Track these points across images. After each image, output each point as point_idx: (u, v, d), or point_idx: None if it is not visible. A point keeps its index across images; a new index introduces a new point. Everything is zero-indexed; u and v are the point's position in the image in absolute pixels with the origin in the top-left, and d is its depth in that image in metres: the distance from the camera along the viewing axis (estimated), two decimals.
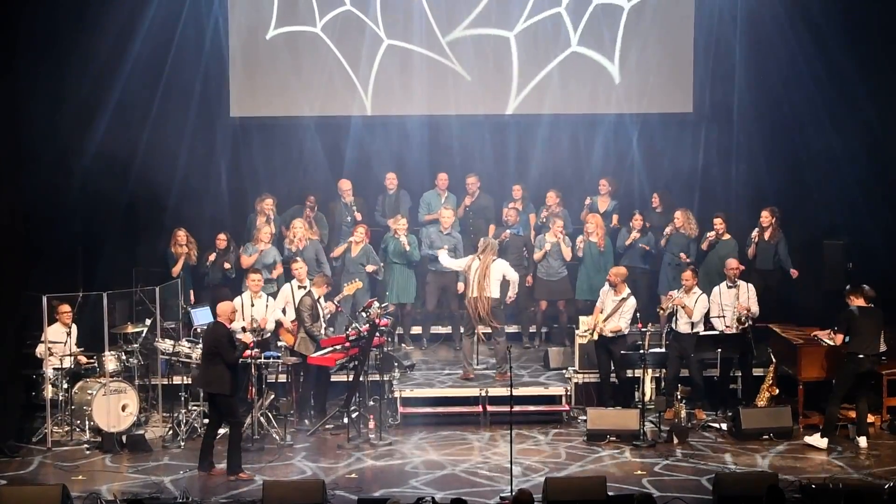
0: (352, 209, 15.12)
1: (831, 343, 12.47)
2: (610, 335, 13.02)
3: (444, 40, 15.83)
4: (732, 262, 13.55)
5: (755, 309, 13.36)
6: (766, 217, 14.38)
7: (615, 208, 15.37)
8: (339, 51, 15.82)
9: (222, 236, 14.41)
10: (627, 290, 13.16)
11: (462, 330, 13.86)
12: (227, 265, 14.24)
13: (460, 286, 14.26)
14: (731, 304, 13.34)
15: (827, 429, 12.27)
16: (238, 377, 11.73)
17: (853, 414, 12.48)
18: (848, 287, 12.56)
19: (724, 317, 13.31)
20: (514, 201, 15.23)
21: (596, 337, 13.10)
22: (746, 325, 13.08)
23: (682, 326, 13.21)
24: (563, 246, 14.55)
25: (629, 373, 13.20)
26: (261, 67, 15.88)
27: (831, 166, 15.19)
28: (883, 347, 12.81)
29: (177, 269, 14.07)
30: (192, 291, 14.33)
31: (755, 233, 14.39)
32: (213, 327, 11.68)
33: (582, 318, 13.76)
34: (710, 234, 14.40)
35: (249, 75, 15.89)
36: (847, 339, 12.20)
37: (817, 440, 12.23)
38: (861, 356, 12.16)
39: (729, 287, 13.41)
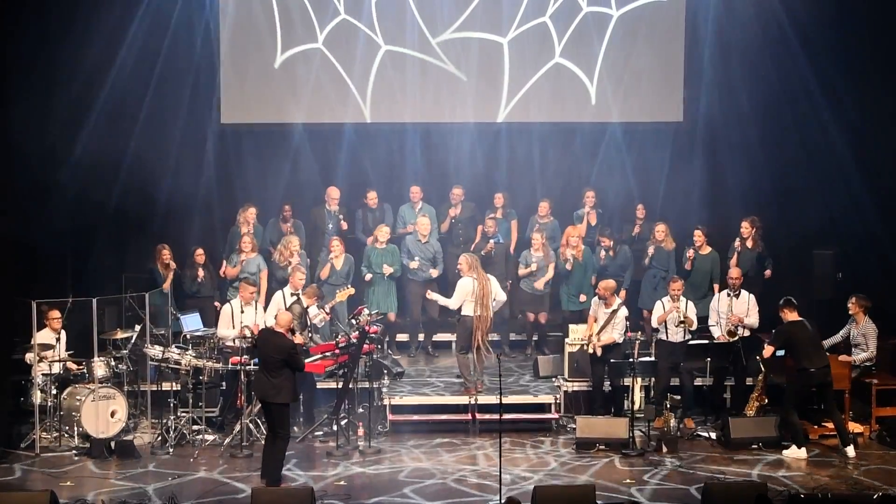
0: (337, 217, 15.11)
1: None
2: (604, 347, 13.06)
3: (434, 41, 15.87)
4: (734, 272, 13.55)
5: (753, 320, 13.32)
6: (745, 228, 14.43)
7: (601, 218, 15.40)
8: (334, 58, 15.84)
9: (200, 251, 14.38)
10: (618, 301, 13.18)
11: (457, 346, 13.66)
12: (200, 274, 14.25)
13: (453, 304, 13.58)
14: (728, 312, 13.33)
15: (797, 439, 12.29)
16: (296, 387, 11.53)
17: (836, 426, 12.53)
18: (781, 302, 12.60)
19: (720, 324, 13.34)
20: (495, 210, 15.25)
21: (592, 351, 13.10)
22: (737, 337, 13.09)
23: (674, 335, 13.21)
24: (551, 265, 14.61)
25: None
26: (252, 74, 15.87)
27: (821, 176, 15.26)
28: (870, 355, 12.88)
29: (167, 284, 14.03)
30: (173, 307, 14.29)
31: (737, 242, 14.42)
32: (272, 337, 11.37)
33: (572, 327, 13.77)
34: (690, 252, 14.40)
35: (240, 82, 15.88)
36: (783, 353, 12.33)
37: (795, 452, 12.25)
38: (812, 370, 12.22)
39: (729, 295, 13.41)
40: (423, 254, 14.66)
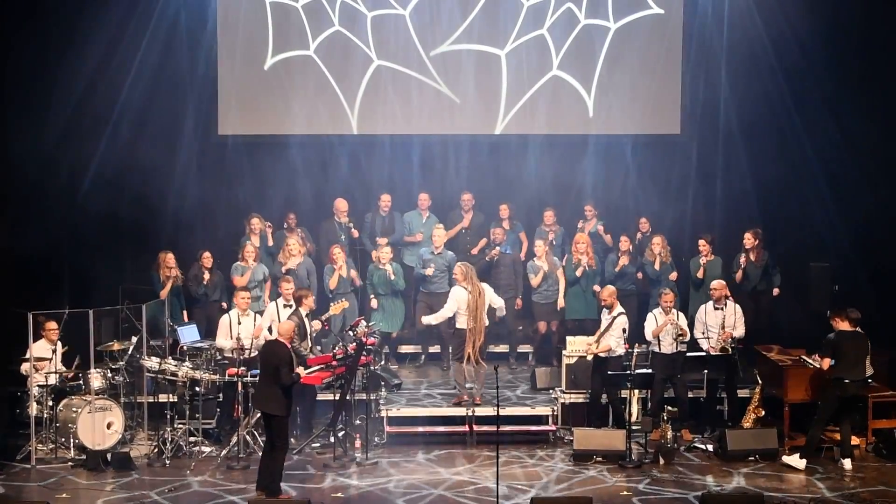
0: (347, 228, 15.14)
1: (818, 367, 12.48)
2: (603, 355, 13.05)
3: (431, 54, 15.91)
4: (717, 283, 13.56)
5: (740, 332, 13.34)
6: (749, 239, 14.43)
7: (602, 229, 15.44)
8: (330, 71, 15.89)
9: (207, 254, 14.41)
10: (619, 309, 13.17)
11: (451, 355, 13.69)
12: (206, 277, 14.29)
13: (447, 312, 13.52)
14: (716, 325, 13.33)
15: (807, 450, 12.29)
16: (292, 399, 11.42)
17: (838, 436, 12.50)
18: (831, 311, 12.56)
19: (709, 337, 13.33)
20: (501, 221, 15.28)
21: (590, 357, 13.12)
22: (730, 352, 13.10)
23: (666, 347, 13.21)
24: (559, 272, 14.66)
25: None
26: (250, 86, 15.90)
27: (818, 188, 15.28)
28: (870, 371, 12.83)
29: (165, 293, 14.03)
30: (184, 311, 14.31)
31: (742, 257, 14.42)
32: (273, 346, 11.36)
33: (569, 339, 13.77)
34: (702, 260, 14.42)
35: (238, 94, 15.91)
36: (832, 363, 12.22)
37: (796, 460, 12.25)
38: (847, 381, 12.18)
39: (716, 308, 13.42)
40: (438, 265, 14.65)
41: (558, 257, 14.97)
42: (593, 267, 14.62)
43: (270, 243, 14.82)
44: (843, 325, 12.33)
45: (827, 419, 12.37)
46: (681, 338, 13.12)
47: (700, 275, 14.42)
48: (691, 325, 13.48)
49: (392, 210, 15.41)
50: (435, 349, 15.19)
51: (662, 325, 13.17)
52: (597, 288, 14.51)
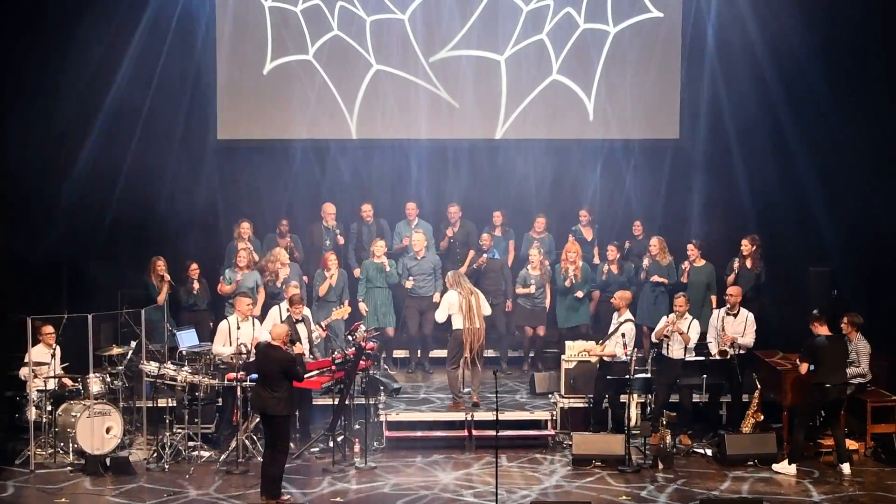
0: (333, 233, 15.13)
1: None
2: (607, 359, 13.07)
3: (431, 59, 15.93)
4: (733, 290, 13.54)
5: (748, 339, 13.29)
6: (746, 245, 14.43)
7: (598, 234, 15.44)
8: (329, 76, 15.90)
9: (195, 265, 14.39)
10: (626, 315, 13.17)
11: (447, 361, 13.65)
12: (196, 287, 14.32)
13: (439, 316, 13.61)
14: (728, 330, 13.33)
15: (794, 455, 12.28)
16: (294, 396, 11.56)
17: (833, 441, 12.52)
18: (809, 316, 12.55)
19: (717, 341, 13.33)
20: (494, 227, 15.28)
21: (593, 360, 13.11)
22: (729, 356, 13.10)
23: (675, 352, 13.19)
24: (548, 287, 14.71)
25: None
26: (249, 91, 15.92)
27: (816, 193, 15.27)
28: (859, 370, 12.81)
29: (162, 298, 14.03)
30: (172, 319, 14.32)
31: (736, 262, 14.42)
32: (271, 351, 11.32)
33: (568, 343, 13.78)
34: (685, 265, 14.47)
35: (237, 99, 15.93)
36: (812, 368, 12.21)
37: (785, 467, 12.23)
38: (828, 386, 12.17)
39: (728, 314, 13.41)
40: (421, 269, 14.66)
41: (549, 265, 14.93)
42: (577, 277, 14.59)
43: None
44: (823, 330, 12.34)
45: (807, 423, 12.37)
46: (674, 335, 13.07)
47: (684, 279, 14.44)
48: (706, 332, 13.45)
49: (377, 217, 15.38)
50: (433, 355, 15.21)
51: (664, 327, 13.17)
52: (580, 294, 14.55)
